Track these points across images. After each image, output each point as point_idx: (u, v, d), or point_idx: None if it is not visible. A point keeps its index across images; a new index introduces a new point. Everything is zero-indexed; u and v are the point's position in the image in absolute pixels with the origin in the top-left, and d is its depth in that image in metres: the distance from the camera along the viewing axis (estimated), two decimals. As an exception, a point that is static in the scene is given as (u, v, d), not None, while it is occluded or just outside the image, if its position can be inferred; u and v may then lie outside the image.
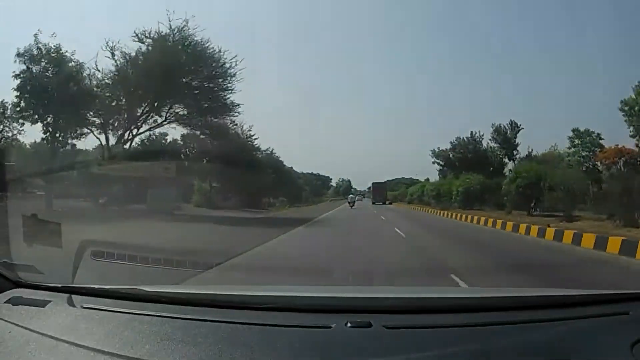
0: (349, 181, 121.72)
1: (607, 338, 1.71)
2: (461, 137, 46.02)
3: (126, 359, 1.54)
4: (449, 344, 1.62)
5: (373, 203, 62.75)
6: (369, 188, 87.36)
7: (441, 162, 48.37)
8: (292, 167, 68.78)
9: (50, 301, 2.00)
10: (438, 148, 48.87)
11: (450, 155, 46.29)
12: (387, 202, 62.96)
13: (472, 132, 46.13)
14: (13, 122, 23.95)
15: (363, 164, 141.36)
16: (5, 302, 2.00)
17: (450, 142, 47.30)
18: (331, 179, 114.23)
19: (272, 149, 43.10)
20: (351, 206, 43.61)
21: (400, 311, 1.93)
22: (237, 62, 26.13)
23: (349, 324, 1.71)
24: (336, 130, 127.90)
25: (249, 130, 33.01)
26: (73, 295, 2.05)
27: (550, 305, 2.04)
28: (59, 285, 2.17)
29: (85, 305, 1.97)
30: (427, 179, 66.24)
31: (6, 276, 2.24)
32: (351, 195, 48.10)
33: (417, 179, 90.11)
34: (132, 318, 1.84)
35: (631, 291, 2.14)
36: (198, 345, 1.60)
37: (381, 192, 67.26)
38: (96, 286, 2.14)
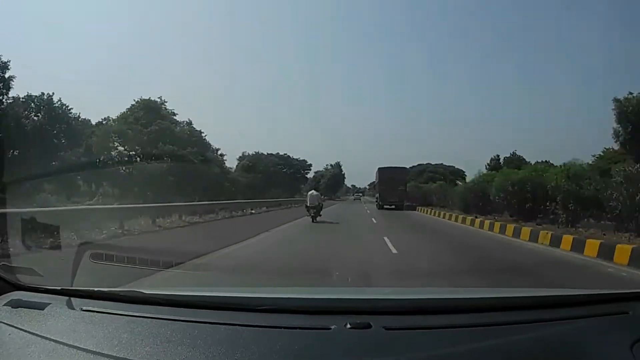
0: (339, 166, 79.18)
1: (606, 338, 1.71)
2: None
3: None
4: (449, 345, 1.63)
5: (380, 207, 36.58)
6: (371, 184, 62.16)
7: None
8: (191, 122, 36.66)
9: (49, 304, 1.99)
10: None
11: None
12: (404, 206, 35.83)
13: None
14: None
15: (361, 151, 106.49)
16: (4, 305, 2.00)
17: None
18: (311, 165, 75.68)
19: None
20: (313, 218, 20.61)
21: (400, 312, 1.93)
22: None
23: (348, 325, 1.71)
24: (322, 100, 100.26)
25: None
26: (72, 298, 2.05)
27: (549, 305, 2.05)
28: (58, 287, 2.16)
29: (84, 308, 1.97)
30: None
31: (5, 279, 2.23)
32: (313, 192, 22.71)
33: (453, 166, 65.61)
34: (131, 320, 1.84)
35: (631, 290, 2.15)
36: (197, 348, 1.60)
37: (396, 186, 37.01)
38: (95, 289, 2.14)
